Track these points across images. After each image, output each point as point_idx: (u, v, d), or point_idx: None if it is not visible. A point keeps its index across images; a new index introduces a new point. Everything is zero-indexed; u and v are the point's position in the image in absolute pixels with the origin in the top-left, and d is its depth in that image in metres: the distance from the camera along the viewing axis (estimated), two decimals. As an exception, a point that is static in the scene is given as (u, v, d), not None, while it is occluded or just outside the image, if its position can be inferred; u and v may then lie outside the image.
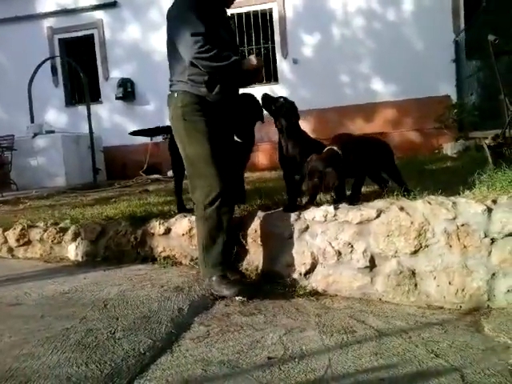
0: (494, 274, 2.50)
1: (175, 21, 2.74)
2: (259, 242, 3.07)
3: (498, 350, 2.01)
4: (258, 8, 9.78)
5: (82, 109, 9.84)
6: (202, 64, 2.65)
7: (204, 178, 2.73)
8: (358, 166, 3.03)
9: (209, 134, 2.73)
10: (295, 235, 2.95)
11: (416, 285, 2.64)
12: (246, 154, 3.43)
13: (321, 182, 2.84)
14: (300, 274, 2.91)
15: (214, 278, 2.77)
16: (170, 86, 2.87)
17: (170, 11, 2.79)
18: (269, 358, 2.01)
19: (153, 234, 3.54)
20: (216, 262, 2.77)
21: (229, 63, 2.65)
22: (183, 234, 3.36)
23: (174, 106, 2.80)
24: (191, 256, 3.32)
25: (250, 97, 3.30)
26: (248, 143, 3.37)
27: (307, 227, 2.92)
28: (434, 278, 2.60)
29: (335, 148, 2.93)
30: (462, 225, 2.53)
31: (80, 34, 10.60)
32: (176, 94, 2.79)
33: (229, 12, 3.05)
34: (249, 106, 3.26)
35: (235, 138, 3.18)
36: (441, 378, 1.79)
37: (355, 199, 3.01)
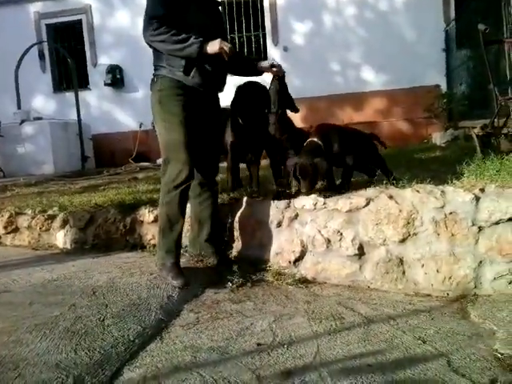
0: (480, 262, 2.53)
1: (146, 5, 2.74)
2: (249, 230, 3.08)
3: (483, 336, 2.04)
4: (249, -5, 9.71)
5: (70, 95, 9.72)
6: (158, 47, 2.67)
7: (174, 163, 2.73)
8: (342, 155, 3.04)
9: (184, 119, 2.72)
10: (285, 223, 2.96)
11: (404, 272, 2.67)
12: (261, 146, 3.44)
13: (313, 175, 2.87)
14: (289, 261, 2.92)
15: (165, 264, 2.80)
16: (154, 70, 2.86)
17: None
18: (258, 345, 2.03)
19: (142, 222, 3.53)
20: (170, 248, 2.80)
21: (185, 45, 2.62)
22: (173, 222, 3.34)
23: (153, 90, 2.82)
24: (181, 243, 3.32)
25: (256, 85, 3.29)
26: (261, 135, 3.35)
27: (297, 215, 2.93)
28: (422, 265, 2.63)
29: (315, 139, 2.96)
30: (450, 213, 2.56)
31: (68, 19, 10.42)
32: (156, 79, 2.80)
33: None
34: (255, 95, 3.25)
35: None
36: (428, 364, 1.81)
37: (345, 188, 3.02)
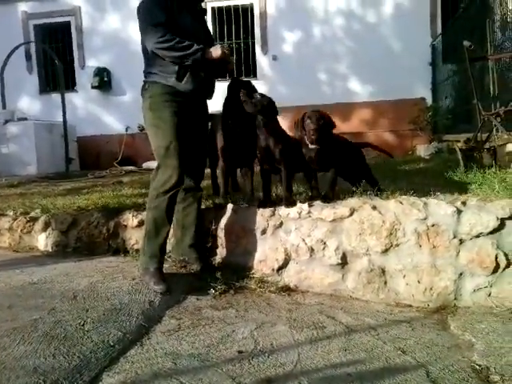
0: (461, 274, 2.57)
1: (141, 13, 2.78)
2: (233, 237, 3.08)
3: (462, 348, 2.07)
4: (239, 3, 9.75)
5: (56, 97, 9.62)
6: (163, 54, 2.71)
7: (164, 169, 2.75)
8: (328, 160, 3.06)
9: (176, 125, 2.75)
10: (269, 231, 2.96)
11: (386, 283, 2.69)
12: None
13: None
14: (273, 269, 2.93)
15: (148, 268, 2.79)
16: (144, 77, 2.89)
17: (138, 4, 2.81)
18: (239, 352, 2.02)
19: (125, 226, 3.50)
20: (154, 253, 2.80)
21: (190, 52, 2.68)
22: (157, 227, 3.32)
23: (144, 96, 2.84)
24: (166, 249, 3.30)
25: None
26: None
27: (281, 223, 2.94)
28: (404, 276, 2.65)
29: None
30: (433, 225, 2.59)
31: (56, 20, 10.36)
32: (147, 85, 2.83)
33: (207, 5, 3.06)
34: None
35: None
36: (407, 374, 1.83)
37: (329, 197, 3.03)
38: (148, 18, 2.72)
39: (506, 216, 2.50)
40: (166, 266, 2.98)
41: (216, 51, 2.75)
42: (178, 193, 2.81)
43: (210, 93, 3.02)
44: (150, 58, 2.82)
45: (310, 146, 2.97)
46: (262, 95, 3.16)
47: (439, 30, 8.96)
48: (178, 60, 2.72)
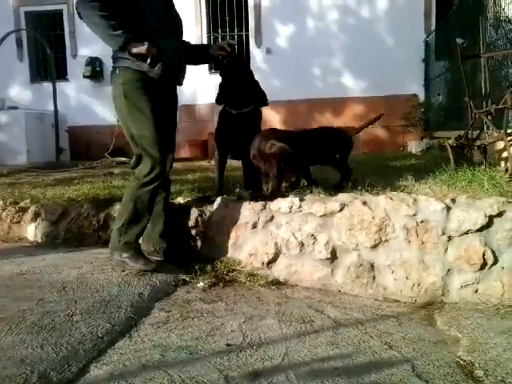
0: (449, 270, 2.59)
1: None
2: (223, 230, 3.08)
3: (448, 343, 2.10)
4: (234, -6, 9.72)
5: (47, 86, 9.55)
6: (86, 21, 2.56)
7: (147, 159, 2.71)
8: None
9: (152, 113, 2.70)
10: (260, 225, 2.97)
11: (374, 278, 2.71)
12: None
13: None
14: (263, 263, 2.94)
15: (126, 255, 2.77)
16: (113, 62, 2.78)
17: None
18: (227, 345, 2.03)
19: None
20: (131, 240, 2.78)
21: (114, 34, 2.54)
22: (147, 219, 3.32)
23: (115, 83, 2.72)
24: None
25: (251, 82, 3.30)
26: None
27: (272, 217, 2.94)
28: (392, 271, 2.67)
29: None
30: (422, 221, 2.61)
31: (48, 8, 10.24)
32: (118, 71, 2.71)
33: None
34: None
35: None
36: (393, 369, 1.85)
37: (314, 183, 3.11)
38: None
39: (494, 213, 2.53)
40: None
41: (139, 48, 2.61)
42: (161, 184, 2.78)
43: (181, 78, 2.94)
44: None
45: None
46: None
47: (433, 27, 8.98)
48: (99, 34, 2.58)
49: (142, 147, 2.72)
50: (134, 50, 2.61)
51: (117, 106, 2.76)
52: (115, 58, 2.74)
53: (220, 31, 9.89)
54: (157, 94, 2.75)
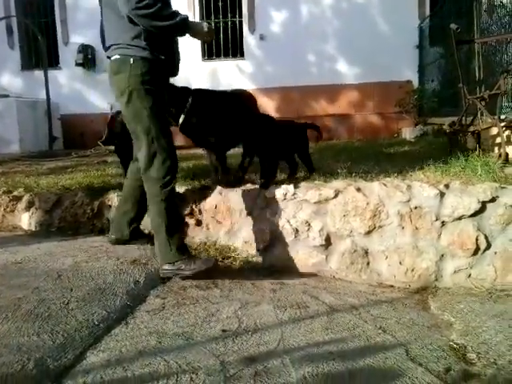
0: (442, 256, 2.62)
1: None
2: (218, 218, 3.08)
3: (441, 327, 2.12)
4: (227, -21, 9.60)
5: (39, 73, 9.41)
6: (143, 22, 2.41)
7: (165, 155, 2.55)
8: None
9: (165, 105, 2.66)
10: (255, 212, 2.98)
11: (368, 263, 2.73)
12: None
13: None
14: (258, 250, 2.95)
15: (183, 259, 2.61)
16: (117, 49, 2.59)
17: None
18: (223, 331, 2.05)
19: (110, 206, 3.49)
20: (180, 243, 2.64)
21: (174, 23, 2.43)
22: (142, 207, 3.32)
23: (131, 74, 2.51)
24: (149, 229, 3.29)
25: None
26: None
27: (267, 204, 2.95)
28: (386, 257, 2.70)
29: None
30: (415, 207, 2.63)
31: (39, -6, 10.08)
32: (132, 60, 2.51)
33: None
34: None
35: None
36: (387, 353, 1.87)
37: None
38: None
39: (487, 199, 2.55)
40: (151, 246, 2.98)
41: (204, 29, 2.55)
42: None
43: (176, 70, 2.82)
44: (127, 27, 2.49)
45: None
46: None
47: (427, 13, 8.93)
48: (160, 31, 2.45)
49: (162, 142, 2.55)
50: (195, 32, 2.56)
51: (132, 98, 2.53)
52: (121, 46, 2.56)
53: (213, 17, 9.78)
54: (164, 85, 2.69)
